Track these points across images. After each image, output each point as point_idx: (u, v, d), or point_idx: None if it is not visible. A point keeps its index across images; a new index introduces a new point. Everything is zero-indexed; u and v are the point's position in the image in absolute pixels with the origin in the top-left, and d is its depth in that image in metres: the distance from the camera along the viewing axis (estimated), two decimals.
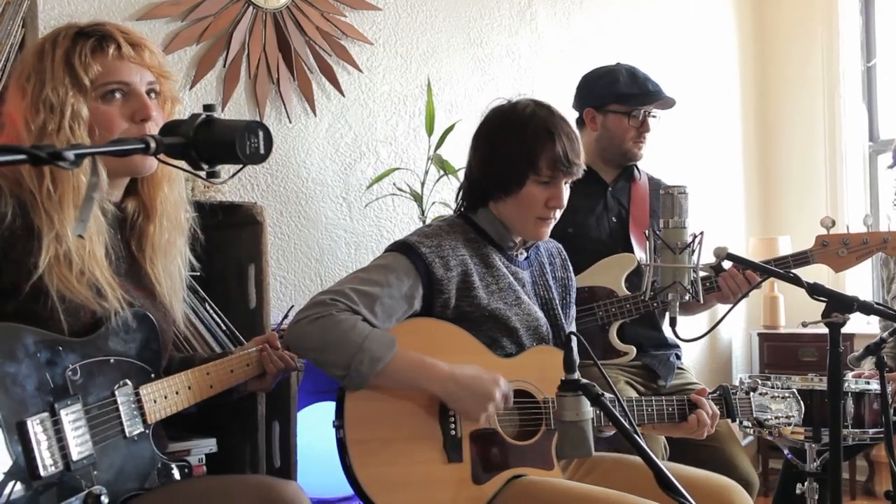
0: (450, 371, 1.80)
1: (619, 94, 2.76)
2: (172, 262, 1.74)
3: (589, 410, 1.56)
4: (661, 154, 3.92)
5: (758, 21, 4.80)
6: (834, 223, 2.57)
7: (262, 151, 1.33)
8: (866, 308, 1.79)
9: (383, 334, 1.78)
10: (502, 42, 3.58)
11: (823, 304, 1.80)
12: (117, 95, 1.59)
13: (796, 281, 1.83)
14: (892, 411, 2.56)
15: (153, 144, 1.28)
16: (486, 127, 2.00)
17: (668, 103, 2.80)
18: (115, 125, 1.58)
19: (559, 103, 2.97)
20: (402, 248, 1.89)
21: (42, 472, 1.36)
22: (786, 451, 2.64)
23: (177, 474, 1.60)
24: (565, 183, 1.94)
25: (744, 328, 4.62)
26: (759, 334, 4.40)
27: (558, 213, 1.96)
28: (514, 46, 3.62)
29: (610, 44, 3.93)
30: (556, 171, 1.90)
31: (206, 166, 1.37)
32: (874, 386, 2.48)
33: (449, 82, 3.38)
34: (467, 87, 3.43)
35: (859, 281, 4.26)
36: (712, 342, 4.46)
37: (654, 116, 2.81)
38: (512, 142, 1.92)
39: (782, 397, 2.13)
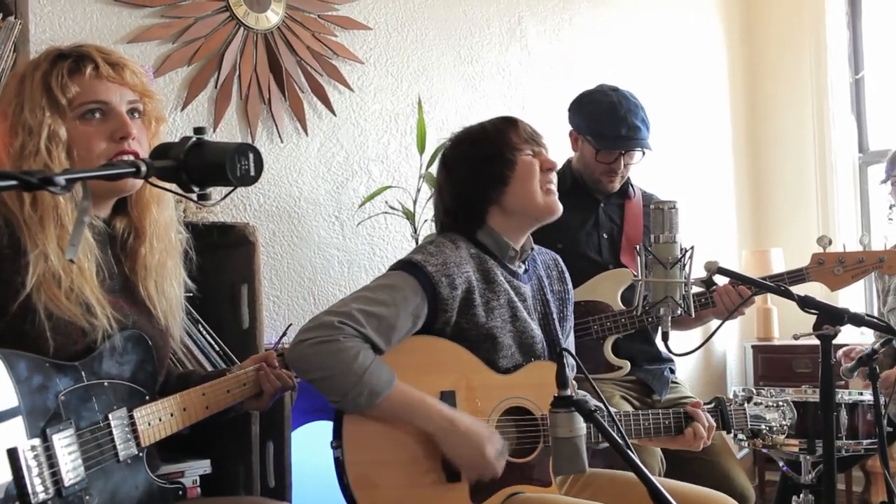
0: (449, 415, 1.80)
1: (592, 129, 2.76)
2: (167, 284, 1.74)
3: (582, 426, 1.56)
4: (653, 168, 3.95)
5: (747, 35, 4.84)
6: (831, 242, 2.58)
7: (252, 173, 1.34)
8: (857, 320, 1.80)
9: (384, 368, 1.78)
10: (492, 59, 3.60)
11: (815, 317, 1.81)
12: (96, 115, 1.59)
13: (787, 294, 1.84)
14: (885, 422, 2.57)
15: (144, 168, 1.29)
16: (452, 151, 2.04)
17: (637, 149, 2.74)
18: (94, 145, 1.58)
19: (549, 119, 3.01)
20: (407, 267, 1.88)
21: (33, 500, 1.34)
22: (781, 464, 2.64)
23: (171, 497, 1.60)
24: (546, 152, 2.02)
25: (738, 340, 4.62)
26: (754, 346, 4.40)
27: (554, 178, 2.01)
28: (504, 63, 3.64)
29: (600, 60, 3.95)
30: (530, 142, 1.99)
31: (196, 189, 1.38)
32: (867, 397, 2.48)
33: (440, 100, 3.40)
34: (458, 104, 3.45)
35: (852, 293, 4.28)
36: (707, 355, 4.47)
37: (627, 155, 2.74)
38: (482, 141, 1.99)
39: (776, 406, 2.14)
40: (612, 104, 2.74)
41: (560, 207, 2.01)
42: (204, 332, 2.21)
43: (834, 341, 1.80)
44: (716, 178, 4.61)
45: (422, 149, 2.93)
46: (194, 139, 1.35)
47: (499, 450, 1.81)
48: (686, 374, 4.26)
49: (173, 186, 1.38)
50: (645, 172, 3.56)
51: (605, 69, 3.61)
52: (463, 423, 1.80)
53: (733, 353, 4.61)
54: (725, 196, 4.67)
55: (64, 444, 1.41)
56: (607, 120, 2.72)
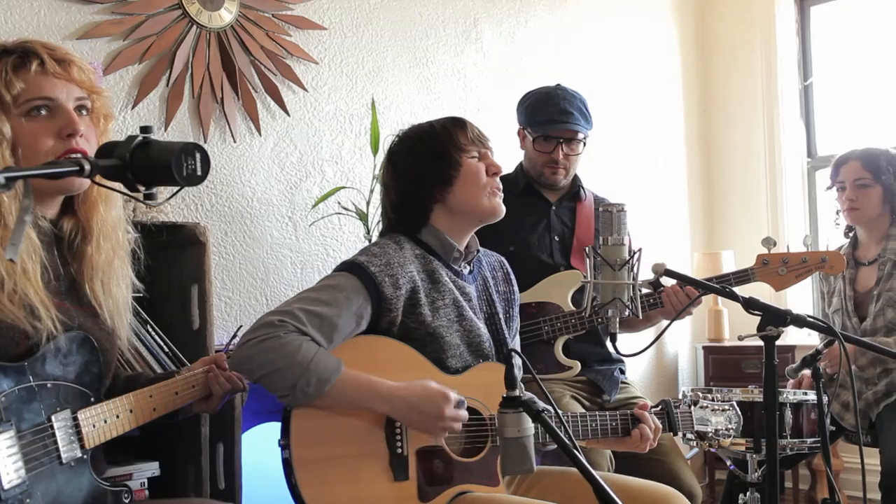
0: (397, 390, 1.81)
1: (529, 119, 2.79)
2: (114, 283, 1.72)
3: (530, 426, 1.57)
4: (607, 172, 4.00)
5: (700, 41, 4.91)
6: (775, 243, 2.64)
7: (199, 173, 1.33)
8: (799, 321, 1.83)
9: (329, 356, 1.78)
10: (448, 61, 3.61)
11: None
12: (42, 112, 1.56)
13: (732, 296, 1.88)
14: (828, 421, 2.63)
15: (87, 167, 1.27)
16: (400, 148, 2.06)
17: (571, 133, 2.75)
18: (40, 142, 1.55)
19: (504, 121, 3.03)
20: (351, 267, 1.90)
21: None
22: (728, 463, 2.69)
23: (115, 501, 1.58)
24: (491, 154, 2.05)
25: (689, 342, 4.69)
26: (704, 347, 4.47)
27: (499, 181, 2.03)
28: (459, 65, 3.65)
29: (555, 63, 3.99)
30: (477, 144, 2.01)
31: (142, 188, 1.37)
32: (812, 397, 2.54)
33: (395, 101, 3.40)
34: (413, 105, 3.45)
35: (801, 296, 4.37)
36: (659, 356, 4.53)
37: (566, 144, 2.75)
38: (430, 140, 2.01)
39: (722, 410, 2.17)
40: (548, 94, 2.79)
41: (503, 209, 2.03)
42: (153, 333, 2.19)
43: (782, 343, 1.86)
44: (669, 181, 4.68)
45: (375, 150, 2.93)
46: (140, 138, 1.34)
47: (456, 401, 1.82)
48: (638, 375, 4.32)
49: (119, 186, 1.37)
50: (599, 176, 3.61)
51: (559, 72, 3.64)
52: (414, 392, 1.81)
53: (685, 355, 4.67)
54: (678, 199, 4.74)
55: (3, 445, 1.39)
56: (542, 107, 2.77)
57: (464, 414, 1.83)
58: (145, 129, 2.21)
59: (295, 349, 1.74)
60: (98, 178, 1.35)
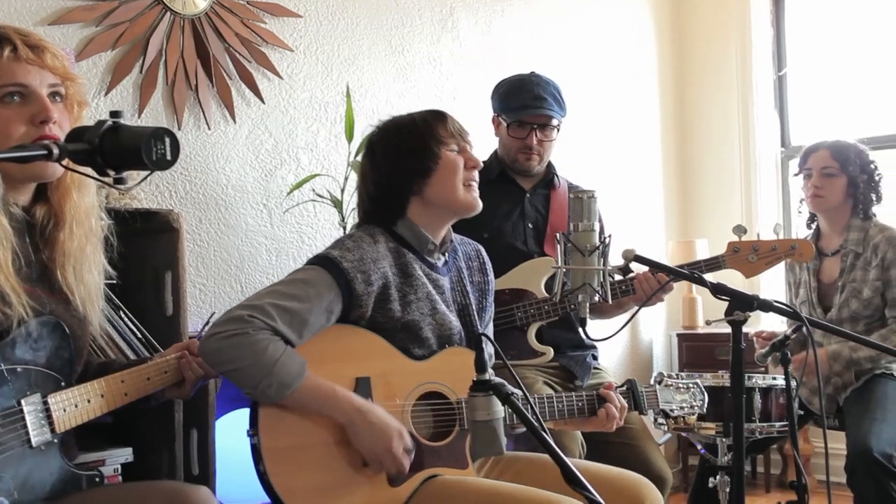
0: (360, 407, 1.82)
1: (503, 105, 2.81)
2: (86, 270, 1.72)
3: (500, 410, 1.59)
4: (583, 161, 4.02)
5: (675, 31, 4.94)
6: (745, 231, 2.67)
7: (168, 157, 1.33)
8: (765, 306, 1.86)
9: (294, 360, 1.78)
10: (424, 50, 3.61)
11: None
12: (15, 98, 1.56)
13: (700, 281, 1.90)
14: (796, 405, 2.67)
15: (56, 151, 1.28)
16: (379, 138, 2.06)
17: (545, 118, 2.75)
18: (13, 129, 1.55)
19: (480, 110, 3.04)
20: (323, 262, 1.89)
21: None
22: (699, 447, 2.73)
23: (86, 484, 1.58)
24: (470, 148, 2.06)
25: (664, 329, 4.73)
26: (679, 335, 4.52)
27: (476, 176, 2.04)
28: (435, 54, 3.66)
29: (531, 52, 4.00)
30: (457, 138, 2.01)
31: (112, 173, 1.37)
32: (780, 381, 2.58)
33: (370, 89, 3.40)
34: (389, 93, 3.46)
35: (773, 285, 4.41)
36: (634, 343, 4.57)
37: (540, 130, 2.76)
38: (410, 132, 2.01)
39: (686, 388, 2.21)
40: (522, 80, 2.81)
41: (479, 204, 2.05)
42: (126, 320, 2.19)
43: (752, 329, 1.88)
44: (644, 170, 4.71)
45: (350, 137, 2.94)
46: (110, 122, 1.34)
47: (406, 447, 1.83)
48: (613, 362, 4.36)
49: (89, 171, 1.37)
50: (575, 165, 3.63)
51: (536, 62, 3.65)
52: (374, 415, 1.82)
53: (659, 342, 4.72)
54: (653, 188, 4.77)
55: None
56: (517, 94, 2.78)
57: (406, 464, 1.83)
58: (115, 114, 2.20)
59: (262, 350, 1.74)
60: (68, 163, 1.35)
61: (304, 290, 1.84)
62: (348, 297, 1.88)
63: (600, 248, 1.82)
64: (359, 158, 2.90)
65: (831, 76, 4.72)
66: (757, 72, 4.78)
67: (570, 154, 3.77)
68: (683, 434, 2.62)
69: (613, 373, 3.85)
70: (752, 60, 4.78)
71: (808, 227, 3.33)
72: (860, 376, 3.01)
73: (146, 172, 1.36)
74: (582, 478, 1.37)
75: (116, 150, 1.32)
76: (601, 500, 1.30)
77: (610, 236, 1.86)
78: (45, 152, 1.26)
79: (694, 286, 4.49)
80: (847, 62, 4.67)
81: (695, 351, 4.43)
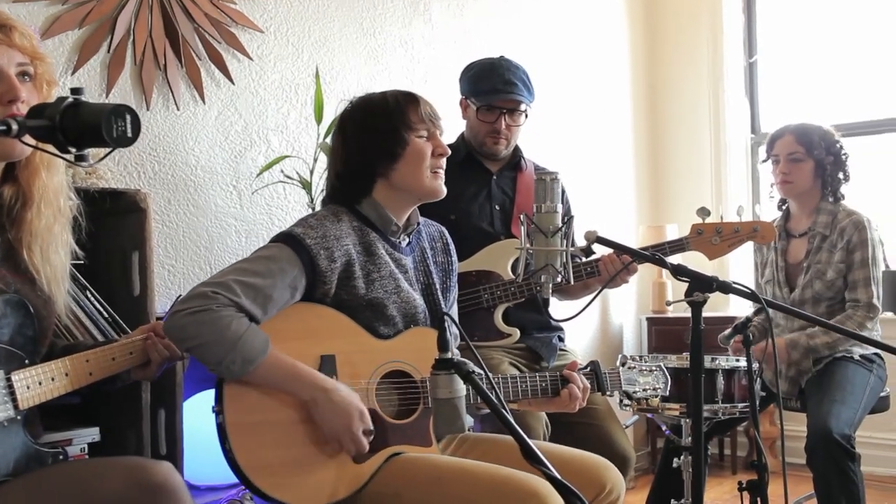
0: (323, 384, 1.83)
1: (472, 89, 2.82)
2: (52, 250, 1.71)
3: (462, 388, 1.61)
4: (554, 146, 4.04)
5: (648, 16, 4.97)
6: (709, 213, 2.70)
7: (129, 134, 1.34)
8: (725, 287, 1.89)
9: (258, 336, 1.79)
10: (395, 32, 3.61)
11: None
12: None
13: (660, 262, 1.93)
14: (758, 387, 2.72)
15: (14, 127, 1.28)
16: (351, 117, 2.06)
17: (514, 103, 2.77)
18: None
19: (451, 94, 3.05)
20: (286, 239, 1.91)
21: None
22: (664, 428, 2.77)
23: (51, 462, 1.59)
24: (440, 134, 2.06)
25: (634, 313, 4.78)
26: (648, 319, 4.57)
27: (443, 163, 2.06)
28: (407, 37, 3.66)
29: (503, 36, 4.01)
30: (427, 123, 2.02)
31: (73, 150, 1.37)
32: (743, 363, 2.62)
33: (341, 71, 3.40)
34: (360, 75, 3.45)
35: (741, 267, 4.47)
36: (604, 327, 4.61)
37: (509, 115, 2.77)
38: (381, 114, 2.01)
39: (649, 370, 2.25)
40: (492, 64, 2.82)
41: (444, 191, 2.07)
42: (93, 300, 2.19)
43: (724, 314, 1.90)
44: (616, 156, 4.74)
45: (319, 119, 2.94)
46: (70, 99, 1.34)
47: (367, 428, 1.84)
48: (583, 346, 4.40)
49: (50, 148, 1.37)
50: (545, 149, 3.65)
51: (508, 46, 3.66)
52: (337, 393, 1.83)
53: (629, 326, 4.76)
54: (625, 174, 4.81)
55: None
56: (486, 78, 2.79)
57: (365, 444, 1.84)
58: (76, 91, 2.20)
59: (225, 325, 1.75)
60: (29, 140, 1.35)
61: (268, 267, 1.85)
62: (312, 274, 1.89)
63: (562, 229, 1.85)
64: (328, 140, 2.90)
65: (802, 63, 4.77)
66: (728, 58, 4.83)
67: (542, 139, 3.79)
68: (649, 415, 2.65)
69: (583, 356, 3.89)
70: (723, 47, 4.82)
71: (780, 208, 3.37)
72: (818, 363, 3.07)
73: (108, 150, 1.36)
74: (539, 453, 1.39)
75: (77, 126, 1.32)
76: (557, 475, 1.32)
77: (572, 217, 1.88)
78: (3, 128, 1.26)
79: (664, 271, 4.53)
80: (818, 50, 4.72)
81: (664, 335, 4.48)
